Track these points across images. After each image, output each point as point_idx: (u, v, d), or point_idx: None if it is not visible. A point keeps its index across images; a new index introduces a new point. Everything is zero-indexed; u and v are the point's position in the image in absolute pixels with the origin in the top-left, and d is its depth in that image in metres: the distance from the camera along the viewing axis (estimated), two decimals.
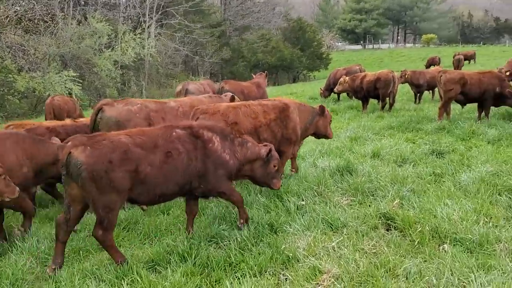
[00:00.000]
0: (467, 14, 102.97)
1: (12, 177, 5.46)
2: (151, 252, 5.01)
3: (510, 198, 5.97)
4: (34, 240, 5.51)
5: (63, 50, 30.66)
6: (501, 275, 4.14)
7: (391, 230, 5.34)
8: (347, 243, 4.99)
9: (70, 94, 26.81)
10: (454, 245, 4.80)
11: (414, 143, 9.64)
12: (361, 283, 4.17)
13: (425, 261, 4.52)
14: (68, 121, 7.70)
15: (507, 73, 15.21)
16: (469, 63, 36.78)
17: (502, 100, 11.14)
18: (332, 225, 5.46)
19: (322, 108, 7.50)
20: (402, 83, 16.10)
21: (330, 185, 6.90)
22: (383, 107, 14.60)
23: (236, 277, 4.41)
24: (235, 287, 4.24)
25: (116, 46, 34.91)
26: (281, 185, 6.57)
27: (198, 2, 45.08)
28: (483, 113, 11.43)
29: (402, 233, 5.21)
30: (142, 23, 39.56)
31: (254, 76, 15.89)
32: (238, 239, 5.14)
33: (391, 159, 8.25)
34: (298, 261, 4.67)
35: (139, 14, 41.09)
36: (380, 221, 5.52)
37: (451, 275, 4.18)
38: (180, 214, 6.30)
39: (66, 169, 4.47)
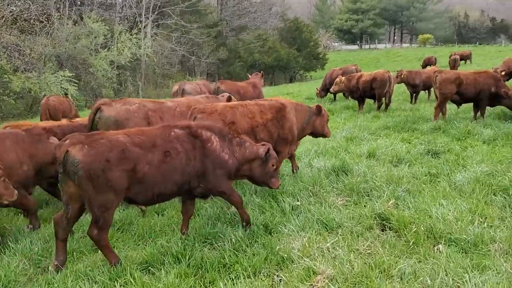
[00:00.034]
0: (463, 14, 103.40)
1: (13, 175, 5.60)
2: (145, 253, 4.98)
3: (505, 198, 5.96)
4: (27, 241, 5.48)
5: (59, 50, 30.57)
6: (496, 275, 4.13)
7: (386, 230, 5.33)
8: (342, 243, 4.97)
9: (66, 94, 26.71)
10: (449, 245, 4.79)
11: (409, 143, 9.64)
12: (355, 284, 4.16)
13: (419, 261, 4.51)
14: (64, 121, 7.66)
15: (503, 73, 15.29)
16: (465, 63, 36.82)
17: (497, 100, 11.15)
18: (327, 226, 5.44)
19: (318, 108, 7.50)
20: (398, 83, 16.12)
21: (326, 185, 6.88)
22: (379, 107, 14.60)
23: (230, 279, 4.39)
24: None
25: (112, 46, 34.83)
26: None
27: (194, 2, 45.01)
28: (478, 113, 11.43)
29: (397, 233, 5.20)
30: (138, 23, 39.49)
31: (250, 76, 15.88)
32: (233, 240, 5.12)
33: (387, 159, 8.25)
34: (292, 262, 4.65)
35: (135, 14, 41.05)
36: (375, 222, 5.51)
37: (446, 275, 4.17)
38: (175, 215, 6.28)
39: (63, 167, 4.44)
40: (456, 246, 4.75)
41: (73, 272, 4.71)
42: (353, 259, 4.59)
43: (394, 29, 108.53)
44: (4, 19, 26.15)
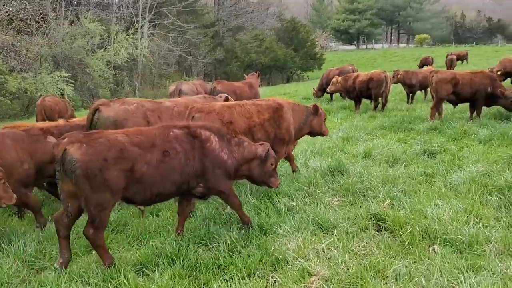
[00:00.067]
0: (460, 14, 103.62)
1: (14, 174, 5.66)
2: (139, 255, 4.95)
3: (500, 198, 5.95)
4: (21, 243, 5.44)
5: (55, 51, 30.51)
6: (491, 276, 4.12)
7: (381, 231, 5.31)
8: (337, 244, 4.96)
9: (62, 94, 26.67)
10: (444, 245, 4.78)
11: (406, 143, 9.62)
12: (350, 285, 4.14)
13: (414, 262, 4.49)
14: (61, 121, 7.65)
15: (499, 73, 15.32)
16: (462, 63, 36.91)
17: (493, 100, 11.15)
18: (322, 226, 5.42)
19: (315, 108, 7.51)
20: (395, 83, 16.13)
21: (321, 185, 6.86)
22: (375, 107, 14.60)
23: (225, 280, 4.37)
24: None
25: (109, 47, 34.77)
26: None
27: (191, 2, 44.99)
28: (474, 113, 11.43)
29: (393, 234, 5.19)
30: (135, 23, 39.40)
31: (246, 76, 15.86)
32: (227, 241, 5.09)
33: (383, 159, 8.23)
34: (287, 263, 4.63)
35: (132, 14, 40.94)
36: (370, 222, 5.49)
37: (441, 276, 4.16)
38: (170, 216, 6.25)
39: (61, 166, 4.43)
40: (451, 247, 4.74)
41: (66, 273, 4.69)
42: (348, 259, 4.57)
43: (391, 29, 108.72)
44: (0, 19, 26.04)
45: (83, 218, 6.38)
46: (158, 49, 41.09)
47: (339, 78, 15.73)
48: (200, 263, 4.64)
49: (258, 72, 16.54)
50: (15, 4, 29.43)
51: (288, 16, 66.16)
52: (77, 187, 4.43)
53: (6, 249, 5.33)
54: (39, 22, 28.99)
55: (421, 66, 31.31)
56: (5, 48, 26.89)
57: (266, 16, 62.40)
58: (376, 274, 4.28)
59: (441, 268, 4.26)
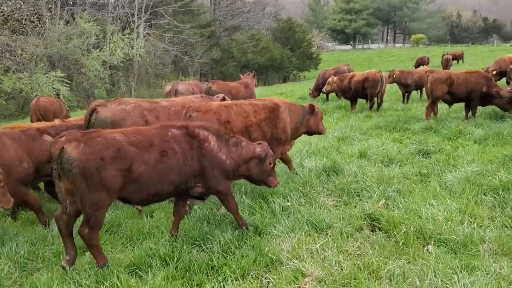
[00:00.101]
0: (456, 14, 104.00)
1: (13, 172, 5.72)
2: (132, 256, 4.91)
3: (495, 198, 5.95)
4: (13, 244, 5.39)
5: (51, 51, 30.41)
6: (485, 276, 4.11)
7: (376, 231, 5.30)
8: (331, 244, 4.94)
9: (58, 95, 26.58)
10: (438, 246, 4.77)
11: (401, 143, 9.62)
12: (343, 286, 4.12)
13: (409, 262, 4.48)
14: (57, 121, 7.62)
15: (494, 72, 15.34)
16: (458, 62, 37.01)
17: (488, 100, 11.16)
18: (316, 227, 5.40)
19: (311, 107, 7.52)
20: (390, 83, 16.14)
21: (316, 185, 6.85)
22: (371, 107, 14.60)
23: (218, 281, 4.34)
24: None
25: (105, 47, 34.69)
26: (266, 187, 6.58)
27: (187, 2, 44.88)
28: (470, 113, 11.44)
29: (387, 234, 5.18)
30: (131, 23, 39.33)
31: (242, 76, 15.83)
32: (222, 241, 5.06)
33: (378, 159, 8.23)
34: (281, 264, 4.60)
35: (128, 14, 40.87)
36: (365, 222, 5.48)
37: (435, 276, 4.15)
38: (164, 217, 6.22)
39: (58, 164, 4.41)
40: (445, 247, 4.73)
41: (59, 275, 4.65)
42: (342, 260, 4.56)
43: (387, 29, 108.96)
44: None
45: (78, 219, 6.39)
46: (154, 49, 41.04)
47: (335, 78, 15.74)
48: (194, 264, 4.61)
49: (253, 72, 16.52)
50: (10, 4, 29.30)
51: (284, 16, 66.31)
52: (73, 186, 4.41)
53: None
54: (34, 22, 28.87)
55: (417, 66, 31.36)
56: (0, 48, 26.75)
57: (262, 16, 62.40)
58: (370, 274, 4.27)
59: (435, 269, 4.25)
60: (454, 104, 12.23)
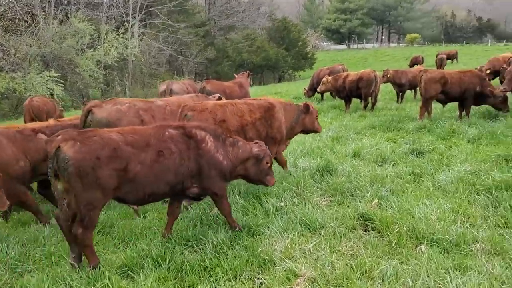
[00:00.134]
0: (450, 14, 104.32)
1: (10, 171, 5.77)
2: (124, 257, 4.88)
3: (488, 197, 5.96)
4: (3, 245, 5.35)
5: (45, 50, 30.27)
6: (477, 276, 4.10)
7: (369, 231, 5.29)
8: (324, 244, 4.92)
9: (52, 94, 26.47)
10: (431, 245, 4.76)
11: (395, 142, 9.62)
12: (336, 286, 4.11)
13: (401, 262, 4.47)
14: (51, 121, 7.59)
15: (487, 71, 15.39)
16: (452, 62, 37.12)
17: (482, 99, 11.19)
18: (310, 227, 5.38)
19: (306, 106, 7.53)
20: (385, 82, 16.15)
21: (310, 185, 6.83)
22: (365, 107, 14.61)
23: (210, 282, 4.32)
24: None
25: (99, 46, 34.56)
26: (260, 187, 6.56)
27: (182, 2, 44.80)
28: (464, 112, 11.47)
29: (380, 233, 5.17)
30: (125, 22, 39.19)
31: (236, 76, 15.80)
32: (214, 242, 5.04)
33: (372, 158, 8.22)
34: (274, 264, 4.59)
35: (122, 13, 40.73)
36: (358, 222, 5.47)
37: (427, 276, 4.14)
38: (156, 218, 6.19)
39: (54, 163, 4.38)
40: (438, 247, 4.73)
41: (50, 276, 4.61)
42: (335, 260, 4.54)
43: (382, 29, 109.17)
44: None
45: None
46: (149, 48, 40.96)
47: (329, 77, 15.74)
48: (186, 265, 4.59)
49: (248, 71, 16.49)
50: (3, 3, 29.14)
51: (279, 15, 66.17)
52: (68, 185, 4.39)
53: None
54: (27, 22, 28.74)
55: (412, 65, 31.38)
56: None
57: (257, 16, 62.41)
58: (363, 274, 4.26)
59: (427, 269, 4.25)
60: (448, 103, 12.24)
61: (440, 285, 4.02)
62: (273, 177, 5.77)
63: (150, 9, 42.50)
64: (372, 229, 5.29)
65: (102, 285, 4.30)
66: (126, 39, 36.80)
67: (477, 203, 5.86)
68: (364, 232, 5.27)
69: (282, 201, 6.27)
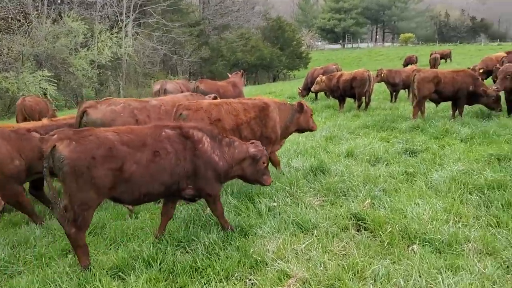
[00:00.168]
0: (444, 14, 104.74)
1: (5, 170, 5.82)
2: (115, 258, 4.84)
3: (480, 197, 5.96)
4: None
5: (38, 50, 30.10)
6: (469, 276, 4.10)
7: (361, 231, 5.28)
8: (316, 245, 4.91)
9: (45, 94, 26.33)
10: (423, 245, 4.75)
11: (388, 142, 9.62)
12: (328, 287, 4.10)
13: (393, 262, 4.46)
14: (45, 121, 7.54)
15: (481, 71, 15.43)
16: (446, 62, 37.27)
17: (475, 99, 11.21)
18: (302, 227, 5.37)
19: (300, 105, 7.52)
20: (378, 82, 16.16)
21: (303, 185, 6.82)
22: (359, 106, 14.62)
23: (202, 283, 4.30)
24: None
25: (93, 46, 34.40)
26: (253, 187, 6.55)
27: (176, 1, 44.75)
28: (457, 112, 11.49)
29: (373, 233, 5.16)
30: (119, 22, 39.04)
31: (230, 75, 15.76)
32: (206, 243, 5.02)
33: (365, 158, 8.21)
34: (266, 265, 4.57)
35: (116, 13, 40.58)
36: (351, 222, 5.46)
37: (419, 276, 4.14)
38: (148, 218, 6.16)
39: (49, 162, 4.36)
40: (430, 246, 4.72)
41: (40, 278, 4.58)
42: (327, 260, 4.53)
43: (376, 28, 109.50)
44: None
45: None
46: (143, 48, 40.84)
47: (323, 77, 15.74)
48: (177, 266, 4.56)
49: (242, 71, 16.44)
50: None
51: (274, 15, 66.15)
52: (63, 184, 4.38)
53: None
54: (20, 21, 28.56)
55: (406, 65, 31.47)
56: None
57: (252, 15, 62.42)
58: (355, 275, 4.25)
59: (419, 269, 4.24)
60: (441, 103, 12.26)
61: (432, 285, 4.01)
62: (270, 176, 5.75)
63: (144, 8, 42.38)
64: (365, 229, 5.28)
65: (92, 287, 4.27)
66: (120, 39, 36.69)
67: (470, 203, 5.86)
68: (357, 232, 5.26)
69: (275, 201, 6.26)
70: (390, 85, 16.27)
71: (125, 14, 40.07)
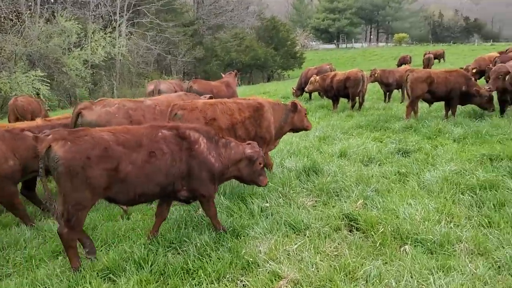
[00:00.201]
0: (438, 14, 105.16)
1: (0, 170, 5.82)
2: (106, 260, 4.79)
3: (472, 197, 5.97)
4: None
5: (31, 49, 29.90)
6: (460, 276, 4.10)
7: (353, 231, 5.27)
8: (308, 245, 4.90)
9: (38, 94, 26.18)
10: (415, 246, 4.75)
11: (381, 142, 9.63)
12: None
13: (385, 263, 4.46)
14: (39, 120, 7.50)
15: (474, 71, 15.50)
16: (439, 62, 37.40)
17: (468, 99, 11.24)
18: (294, 227, 5.35)
19: (294, 105, 7.52)
20: (372, 82, 16.18)
21: (296, 186, 6.80)
22: (352, 106, 14.63)
23: (193, 285, 4.27)
24: None
25: (86, 45, 34.24)
26: (246, 187, 6.53)
27: (170, 1, 44.65)
28: (450, 112, 11.52)
29: (365, 234, 5.15)
30: (113, 21, 38.89)
31: (223, 75, 15.73)
32: (198, 244, 4.99)
33: (358, 158, 8.21)
34: (258, 266, 4.55)
35: (110, 12, 40.43)
36: (343, 222, 5.45)
37: (411, 277, 4.13)
38: (140, 219, 6.13)
39: (45, 162, 4.34)
40: (422, 247, 4.72)
41: (30, 280, 4.54)
42: (319, 261, 4.51)
43: (371, 28, 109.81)
44: None
45: (51, 222, 6.26)
46: (137, 47, 40.68)
47: (317, 77, 15.76)
48: (169, 267, 4.53)
49: (235, 71, 16.42)
50: None
51: (268, 15, 66.14)
52: (58, 184, 4.36)
53: None
54: (13, 20, 28.37)
55: (400, 64, 31.52)
56: None
57: (246, 15, 62.37)
58: (346, 276, 4.23)
59: (411, 269, 4.24)
60: (434, 103, 12.28)
61: (423, 286, 4.01)
62: (266, 177, 5.73)
63: (138, 8, 42.22)
64: (357, 229, 5.28)
65: None
66: (113, 38, 36.54)
67: (462, 203, 5.87)
68: (349, 233, 5.25)
69: (267, 202, 6.23)
70: (383, 85, 16.29)
71: (119, 13, 39.91)
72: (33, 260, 5.05)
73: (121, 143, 4.57)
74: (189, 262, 4.60)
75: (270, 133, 7.12)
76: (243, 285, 4.26)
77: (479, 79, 16.53)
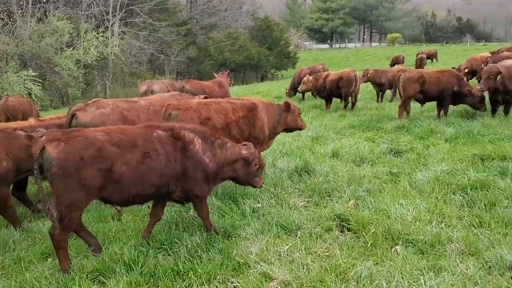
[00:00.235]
0: (431, 14, 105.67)
1: None
2: (96, 261, 4.76)
3: (463, 197, 5.98)
4: None
5: (22, 49, 29.70)
6: (451, 277, 4.10)
7: (345, 231, 5.27)
8: (300, 246, 4.88)
9: (30, 94, 26.02)
10: (406, 246, 4.75)
11: (373, 142, 9.63)
12: None
13: (376, 263, 4.45)
14: (32, 120, 7.44)
15: (466, 70, 15.56)
16: (432, 61, 37.58)
17: (460, 99, 11.28)
18: (286, 228, 5.34)
19: (287, 105, 7.51)
20: (365, 82, 16.21)
21: (287, 186, 6.80)
22: (345, 106, 14.65)
23: (183, 286, 4.24)
24: None
25: (78, 45, 34.06)
26: (237, 188, 6.51)
27: (163, 0, 44.53)
28: (442, 111, 11.55)
29: (356, 234, 5.15)
30: (106, 21, 38.72)
31: (216, 75, 15.70)
32: (189, 245, 4.96)
33: (350, 158, 8.21)
34: (248, 267, 4.52)
35: (102, 12, 40.24)
36: (334, 223, 5.44)
37: (402, 278, 4.12)
38: (131, 220, 6.09)
39: (39, 163, 4.30)
40: (413, 247, 4.72)
41: (19, 282, 4.49)
42: (310, 262, 4.50)
43: (364, 28, 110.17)
44: None
45: (40, 223, 6.20)
46: (130, 47, 40.53)
47: (310, 77, 15.76)
48: (159, 269, 4.50)
49: (228, 71, 16.40)
50: None
51: (261, 14, 66.17)
52: (51, 185, 4.33)
53: None
54: (4, 20, 28.16)
55: (392, 64, 31.63)
56: None
57: (239, 15, 62.35)
58: (337, 276, 4.22)
59: (402, 270, 4.23)
60: (426, 103, 12.32)
61: (414, 287, 4.00)
62: (261, 178, 5.71)
63: (131, 7, 42.06)
64: (348, 230, 5.27)
65: None
66: (106, 38, 36.37)
67: (453, 203, 5.88)
68: (340, 233, 5.24)
69: (259, 203, 6.22)
70: (376, 85, 16.33)
71: (112, 13, 39.75)
72: (22, 262, 4.99)
73: (115, 144, 4.54)
74: (180, 264, 4.57)
75: (263, 133, 7.11)
76: (233, 286, 4.24)
77: (471, 79, 16.60)
